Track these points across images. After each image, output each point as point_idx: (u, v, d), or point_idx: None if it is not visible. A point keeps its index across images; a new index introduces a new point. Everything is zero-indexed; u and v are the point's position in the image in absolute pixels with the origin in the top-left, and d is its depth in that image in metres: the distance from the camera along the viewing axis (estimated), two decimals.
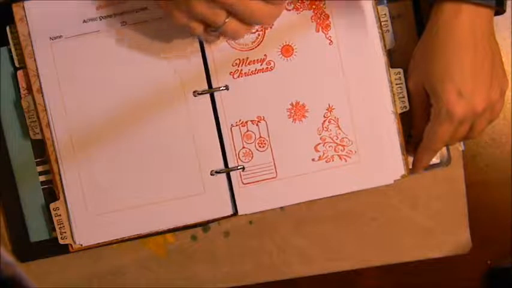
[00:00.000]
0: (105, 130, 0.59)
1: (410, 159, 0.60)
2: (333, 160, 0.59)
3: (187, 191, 0.59)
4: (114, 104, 0.59)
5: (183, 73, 0.59)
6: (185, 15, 0.51)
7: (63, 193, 0.59)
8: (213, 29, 0.52)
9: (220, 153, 0.59)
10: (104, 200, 0.59)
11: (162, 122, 0.59)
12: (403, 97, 0.59)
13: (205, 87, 0.59)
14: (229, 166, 0.59)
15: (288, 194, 0.59)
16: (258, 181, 0.59)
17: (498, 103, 0.55)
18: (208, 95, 0.59)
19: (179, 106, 0.59)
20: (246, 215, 0.60)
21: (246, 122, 0.59)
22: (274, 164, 0.59)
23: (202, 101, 0.59)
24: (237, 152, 0.59)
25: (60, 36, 0.59)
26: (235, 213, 0.60)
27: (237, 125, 0.59)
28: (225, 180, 0.59)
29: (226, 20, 0.50)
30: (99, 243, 0.60)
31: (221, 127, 0.59)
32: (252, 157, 0.59)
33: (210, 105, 0.59)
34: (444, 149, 0.61)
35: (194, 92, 0.59)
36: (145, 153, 0.59)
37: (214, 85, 0.59)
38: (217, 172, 0.59)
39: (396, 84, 0.59)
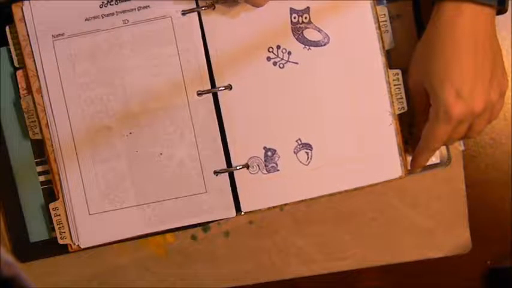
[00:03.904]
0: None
1: (410, 158, 0.60)
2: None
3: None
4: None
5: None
6: None
7: (63, 193, 0.59)
8: None
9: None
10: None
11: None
12: (401, 98, 0.59)
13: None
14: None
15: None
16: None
17: (498, 104, 0.55)
18: (211, 95, 0.59)
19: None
20: (247, 213, 0.60)
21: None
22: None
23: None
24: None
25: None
26: (239, 212, 0.60)
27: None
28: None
29: None
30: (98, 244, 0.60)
31: (224, 125, 0.59)
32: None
33: (213, 104, 0.59)
34: (444, 149, 0.61)
35: (198, 91, 0.59)
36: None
37: (217, 84, 0.59)
38: (220, 172, 0.59)
39: (394, 85, 0.59)
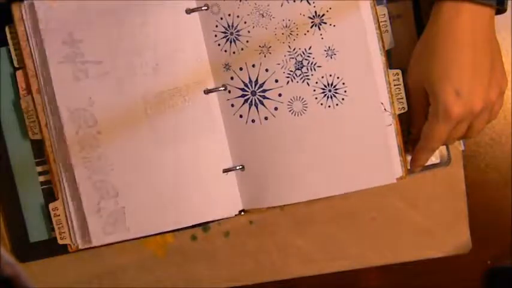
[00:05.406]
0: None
1: (410, 158, 0.60)
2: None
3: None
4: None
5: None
6: None
7: (62, 193, 0.59)
8: None
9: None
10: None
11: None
12: (401, 98, 0.59)
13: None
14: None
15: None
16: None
17: (497, 103, 0.55)
18: (215, 93, 0.58)
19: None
20: (246, 212, 0.60)
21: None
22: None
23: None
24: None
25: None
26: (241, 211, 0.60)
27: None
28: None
29: None
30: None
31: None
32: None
33: (218, 102, 0.59)
34: (444, 149, 0.61)
35: (205, 90, 0.59)
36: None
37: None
38: (227, 170, 0.59)
39: (394, 85, 0.58)
